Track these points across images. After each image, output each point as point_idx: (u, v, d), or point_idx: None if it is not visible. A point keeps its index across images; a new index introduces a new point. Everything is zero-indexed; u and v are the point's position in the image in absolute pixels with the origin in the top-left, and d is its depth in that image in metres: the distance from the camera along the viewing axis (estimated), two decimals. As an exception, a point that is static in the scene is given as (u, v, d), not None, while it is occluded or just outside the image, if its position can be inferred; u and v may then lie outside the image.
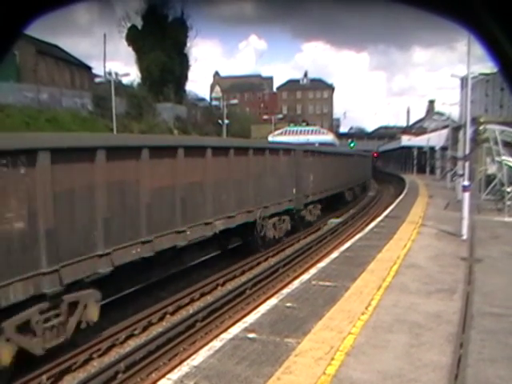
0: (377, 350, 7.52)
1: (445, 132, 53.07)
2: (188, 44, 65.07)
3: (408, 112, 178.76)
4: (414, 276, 12.12)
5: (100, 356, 10.13)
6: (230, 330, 8.70)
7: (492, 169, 33.06)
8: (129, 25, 62.36)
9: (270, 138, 59.17)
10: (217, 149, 15.94)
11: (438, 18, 1.32)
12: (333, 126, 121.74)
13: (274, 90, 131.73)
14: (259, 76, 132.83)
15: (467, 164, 20.45)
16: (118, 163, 11.01)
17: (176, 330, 11.20)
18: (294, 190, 22.80)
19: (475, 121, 33.51)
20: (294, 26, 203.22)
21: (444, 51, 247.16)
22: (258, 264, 18.26)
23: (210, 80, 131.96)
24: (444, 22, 1.33)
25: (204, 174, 14.81)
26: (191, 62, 66.63)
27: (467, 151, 21.07)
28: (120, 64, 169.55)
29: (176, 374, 6.76)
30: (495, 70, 1.32)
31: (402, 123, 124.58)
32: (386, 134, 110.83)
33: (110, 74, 50.79)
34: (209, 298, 14.12)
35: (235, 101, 74.61)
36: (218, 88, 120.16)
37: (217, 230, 15.50)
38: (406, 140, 71.20)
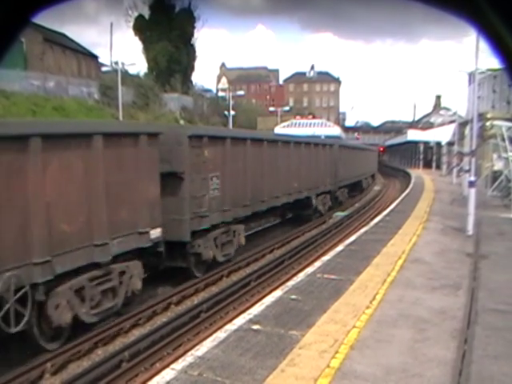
0: (381, 344, 7.52)
1: (451, 127, 52.80)
2: (195, 34, 64.92)
3: (415, 107, 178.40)
4: (418, 271, 12.11)
5: (104, 345, 10.17)
6: (234, 321, 8.71)
7: (498, 165, 32.96)
8: (136, 14, 62.23)
9: (277, 131, 59.10)
10: (296, 143, 23.35)
11: (444, 13, 1.30)
12: (339, 119, 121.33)
13: (281, 82, 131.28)
14: (266, 68, 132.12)
15: (473, 160, 20.38)
16: (254, 148, 17.95)
17: (180, 320, 11.24)
18: (333, 176, 29.31)
19: (482, 116, 33.35)
20: (302, 17, 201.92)
21: (453, 45, 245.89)
22: (263, 256, 18.28)
23: (217, 71, 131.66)
24: (451, 17, 1.32)
25: (288, 160, 21.61)
26: (198, 52, 66.53)
27: (474, 147, 20.98)
28: (127, 53, 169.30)
29: (180, 364, 6.77)
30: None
31: (409, 118, 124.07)
32: (393, 128, 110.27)
33: (116, 63, 50.70)
34: (213, 289, 14.15)
35: (241, 92, 74.34)
36: (224, 79, 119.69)
37: (293, 198, 22.17)
38: (413, 135, 70.85)
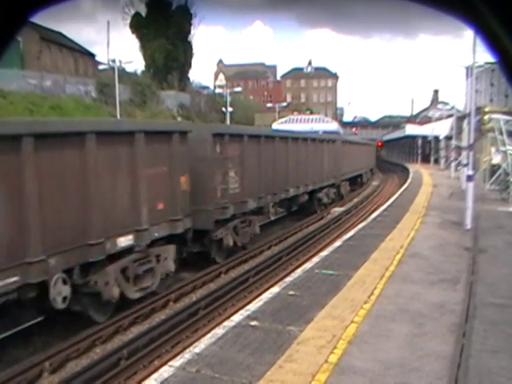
0: (379, 339, 7.50)
1: (449, 121, 52.75)
2: (192, 31, 64.81)
3: (412, 101, 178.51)
4: (417, 265, 12.09)
5: (103, 343, 10.16)
6: (232, 318, 8.68)
7: (497, 159, 32.99)
8: (133, 12, 62.11)
9: (274, 127, 59.03)
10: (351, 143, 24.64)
11: (441, 13, 1.29)
12: (337, 114, 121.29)
13: (278, 78, 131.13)
14: (263, 64, 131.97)
15: (471, 153, 20.36)
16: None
17: (179, 317, 11.23)
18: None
19: (480, 110, 33.35)
20: (300, 13, 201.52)
21: (451, 40, 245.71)
22: (261, 252, 18.26)
23: (214, 68, 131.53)
24: (448, 17, 1.30)
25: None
26: (195, 49, 66.43)
27: (472, 141, 20.95)
28: (124, 51, 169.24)
29: (178, 362, 6.75)
30: None
31: (407, 112, 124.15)
32: (391, 123, 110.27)
33: (113, 61, 50.57)
34: (212, 286, 14.14)
35: (239, 89, 74.12)
36: (221, 76, 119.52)
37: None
38: (411, 129, 70.77)
